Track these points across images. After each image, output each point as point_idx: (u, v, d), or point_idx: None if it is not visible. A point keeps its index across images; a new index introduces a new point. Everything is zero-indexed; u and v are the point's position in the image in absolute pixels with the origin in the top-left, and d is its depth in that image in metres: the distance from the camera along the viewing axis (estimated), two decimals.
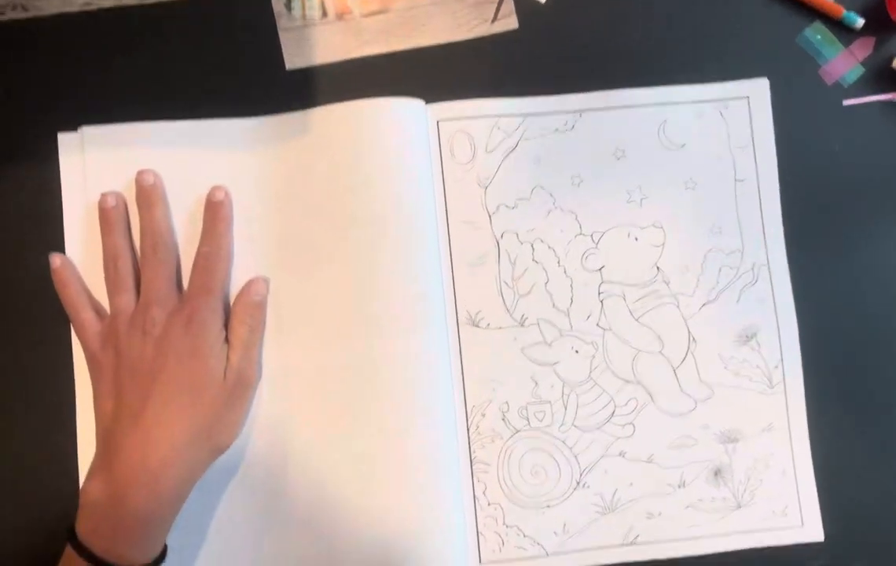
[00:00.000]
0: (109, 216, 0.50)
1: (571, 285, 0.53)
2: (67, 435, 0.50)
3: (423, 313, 0.51)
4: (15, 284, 0.51)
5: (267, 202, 0.52)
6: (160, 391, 0.46)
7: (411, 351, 0.50)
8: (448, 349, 0.52)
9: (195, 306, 0.48)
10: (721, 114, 0.53)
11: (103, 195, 0.50)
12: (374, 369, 0.50)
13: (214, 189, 0.50)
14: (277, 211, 0.51)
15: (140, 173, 0.50)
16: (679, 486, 0.52)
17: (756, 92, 0.53)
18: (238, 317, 0.50)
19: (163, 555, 0.46)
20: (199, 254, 0.50)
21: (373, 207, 0.50)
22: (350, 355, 0.50)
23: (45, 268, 0.50)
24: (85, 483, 0.46)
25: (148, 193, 0.50)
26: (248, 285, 0.50)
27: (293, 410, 0.51)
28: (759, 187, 0.53)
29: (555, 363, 0.52)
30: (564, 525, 0.51)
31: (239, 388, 0.49)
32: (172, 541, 0.47)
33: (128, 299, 0.49)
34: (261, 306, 0.50)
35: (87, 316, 0.49)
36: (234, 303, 0.50)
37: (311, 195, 0.51)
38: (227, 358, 0.48)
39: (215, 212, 0.50)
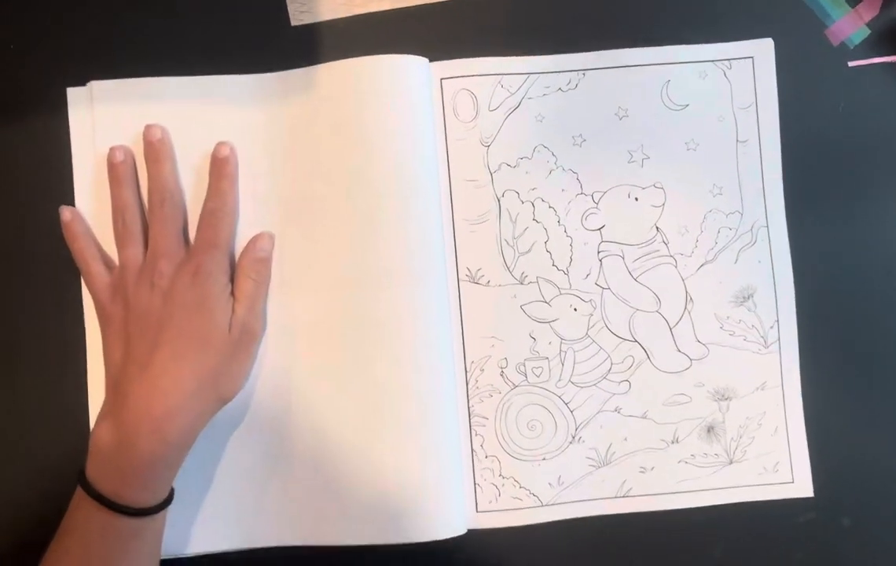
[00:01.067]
0: (118, 170, 0.51)
1: (571, 244, 0.53)
2: (77, 382, 0.52)
3: (424, 269, 0.52)
4: (25, 237, 0.52)
5: (272, 158, 0.52)
6: (167, 341, 0.47)
7: (412, 306, 0.51)
8: (448, 305, 0.53)
9: (201, 260, 0.49)
10: (725, 74, 0.53)
11: (112, 149, 0.51)
12: (375, 323, 0.51)
13: (219, 145, 0.51)
14: (282, 167, 0.52)
15: (147, 128, 0.51)
16: (672, 442, 0.53)
17: (760, 52, 0.53)
18: (244, 272, 0.51)
19: (169, 498, 0.48)
20: (204, 209, 0.51)
21: (375, 164, 0.51)
22: (352, 309, 0.51)
23: (56, 220, 0.51)
24: (94, 428, 0.48)
25: (156, 148, 0.51)
26: (254, 240, 0.51)
27: (296, 362, 0.52)
28: (760, 149, 0.53)
29: (553, 320, 0.53)
30: (559, 477, 0.53)
31: (244, 340, 0.50)
32: (179, 484, 0.49)
33: (136, 252, 0.50)
34: (266, 261, 0.51)
35: (97, 268, 0.50)
36: (239, 258, 0.51)
37: (315, 151, 0.52)
38: (233, 310, 0.50)
39: (220, 168, 0.51)
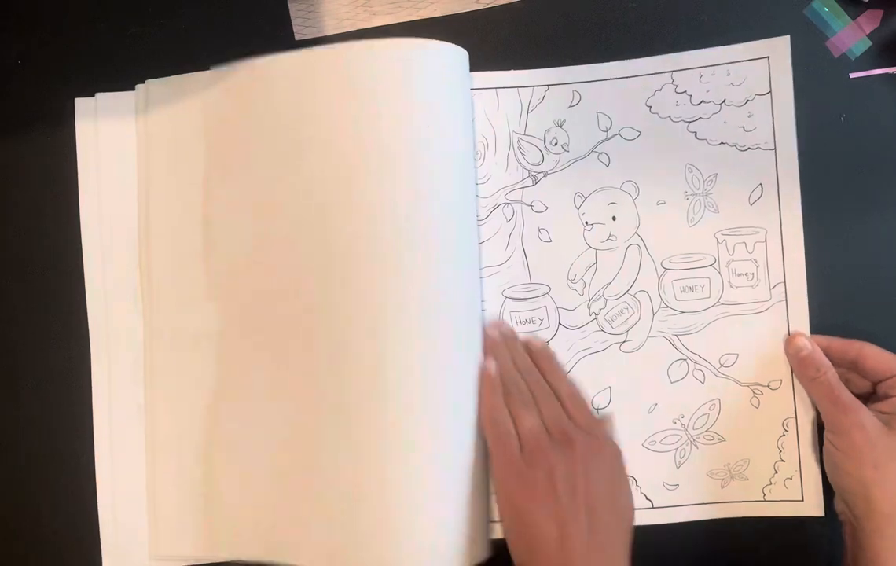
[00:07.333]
0: (500, 348, 0.51)
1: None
2: (82, 392, 0.52)
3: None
4: (31, 247, 0.53)
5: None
6: (602, 517, 0.46)
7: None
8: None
9: (601, 440, 0.49)
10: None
11: (494, 323, 0.52)
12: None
13: (532, 341, 0.52)
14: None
15: (532, 340, 0.52)
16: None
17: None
18: None
19: None
20: (563, 395, 0.50)
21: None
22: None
23: (62, 234, 0.52)
24: None
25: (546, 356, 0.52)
26: None
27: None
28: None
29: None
30: None
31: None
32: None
33: (539, 420, 0.48)
34: None
35: (512, 428, 0.48)
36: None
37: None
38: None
39: (549, 357, 0.52)
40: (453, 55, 0.51)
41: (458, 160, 0.51)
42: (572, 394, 0.50)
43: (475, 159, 0.53)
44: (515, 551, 0.47)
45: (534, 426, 0.48)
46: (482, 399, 0.49)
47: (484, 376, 0.50)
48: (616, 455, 0.49)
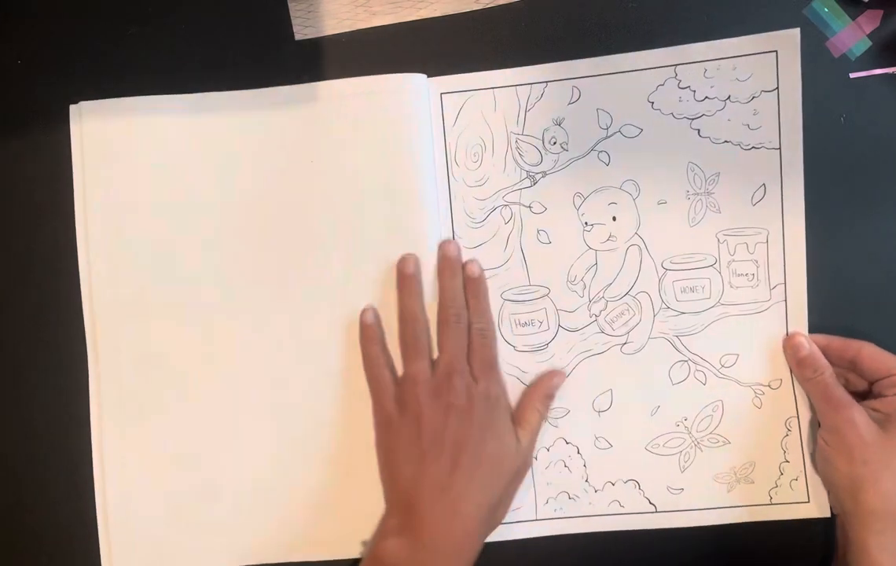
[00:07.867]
0: (410, 283, 0.50)
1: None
2: (79, 392, 0.52)
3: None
4: (29, 248, 0.53)
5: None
6: (466, 464, 0.46)
7: None
8: None
9: (489, 381, 0.49)
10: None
11: (404, 259, 0.51)
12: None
13: (470, 264, 0.51)
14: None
15: (468, 263, 0.52)
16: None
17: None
18: (532, 404, 0.50)
19: None
20: (473, 330, 0.50)
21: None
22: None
23: (61, 235, 0.52)
24: (382, 542, 0.46)
25: (476, 283, 0.51)
26: (549, 376, 0.51)
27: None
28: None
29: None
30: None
31: (522, 470, 0.50)
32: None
33: (425, 366, 0.49)
34: (553, 398, 0.51)
35: (387, 377, 0.49)
36: (530, 390, 0.51)
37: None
38: (518, 439, 0.49)
39: (477, 287, 0.51)
40: (414, 82, 0.52)
41: (424, 170, 0.52)
42: (482, 333, 0.50)
43: (435, 169, 0.53)
44: (384, 494, 0.49)
45: (416, 372, 0.48)
46: (361, 348, 0.50)
47: (362, 326, 0.50)
48: (495, 404, 0.49)
